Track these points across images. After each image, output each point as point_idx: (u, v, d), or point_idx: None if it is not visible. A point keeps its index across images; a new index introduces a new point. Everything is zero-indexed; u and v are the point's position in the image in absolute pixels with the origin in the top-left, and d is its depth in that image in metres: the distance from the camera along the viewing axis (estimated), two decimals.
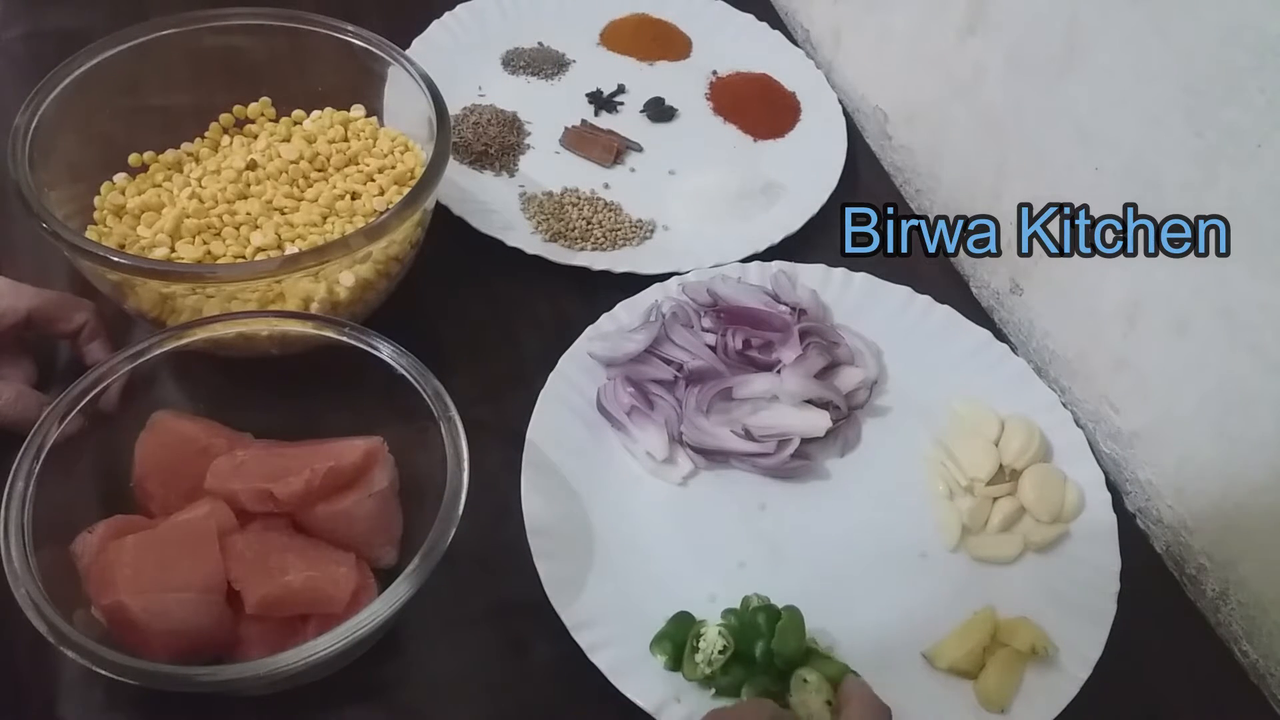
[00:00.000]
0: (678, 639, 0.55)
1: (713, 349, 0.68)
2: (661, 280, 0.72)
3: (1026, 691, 0.56)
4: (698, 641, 0.54)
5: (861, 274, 0.73)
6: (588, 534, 0.60)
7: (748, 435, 0.64)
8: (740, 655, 0.54)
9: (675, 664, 0.55)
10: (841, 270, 0.73)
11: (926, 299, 0.73)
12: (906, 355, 0.71)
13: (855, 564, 0.62)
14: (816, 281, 0.73)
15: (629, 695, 0.53)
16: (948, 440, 0.66)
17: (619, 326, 0.69)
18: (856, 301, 0.73)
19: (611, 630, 0.56)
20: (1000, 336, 0.75)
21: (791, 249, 0.76)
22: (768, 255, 0.75)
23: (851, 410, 0.67)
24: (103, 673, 0.44)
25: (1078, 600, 0.59)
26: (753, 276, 0.73)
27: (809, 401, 0.65)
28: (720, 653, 0.53)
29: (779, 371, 0.66)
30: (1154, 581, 0.64)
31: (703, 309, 0.70)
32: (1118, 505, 0.64)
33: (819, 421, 0.65)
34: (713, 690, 0.54)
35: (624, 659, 0.55)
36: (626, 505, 0.62)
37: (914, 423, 0.68)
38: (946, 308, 0.72)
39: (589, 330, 0.68)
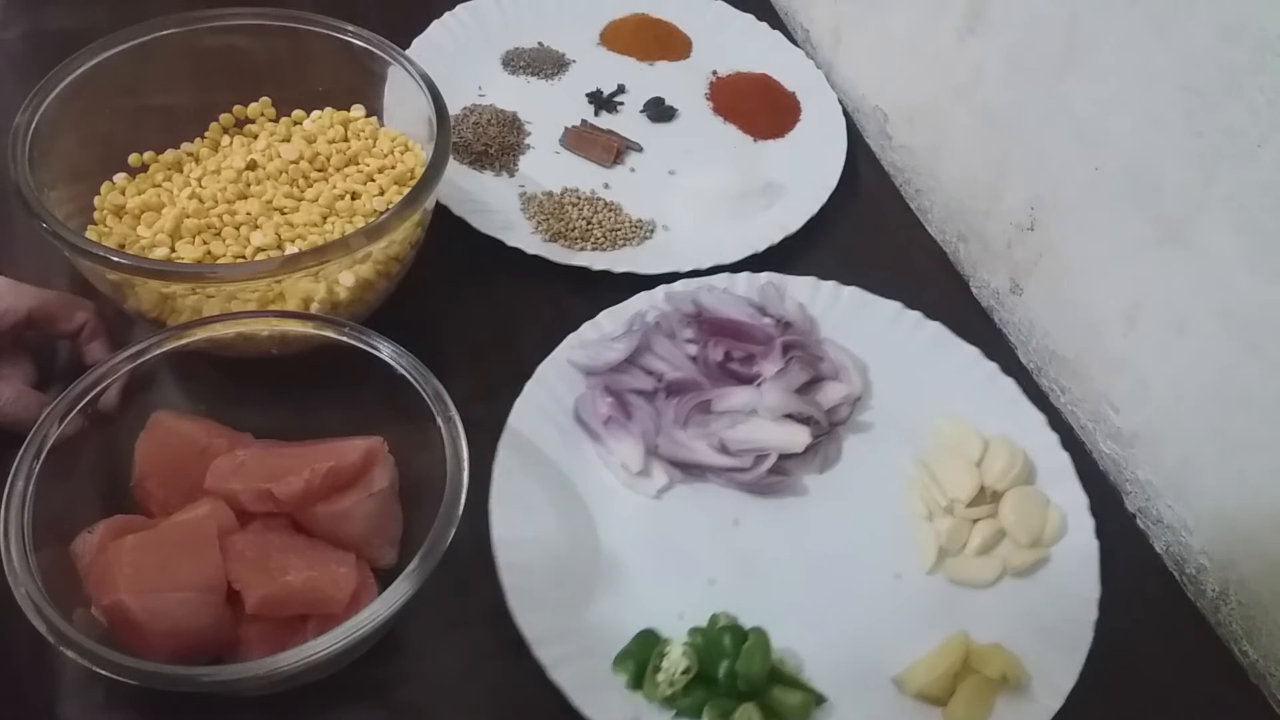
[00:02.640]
0: (641, 658, 0.54)
1: (694, 360, 0.67)
2: (662, 281, 0.72)
3: None
4: (661, 661, 0.53)
5: (852, 288, 0.72)
6: (556, 547, 0.59)
7: (724, 449, 0.63)
8: (703, 676, 0.53)
9: (637, 683, 0.54)
10: (832, 283, 0.72)
11: (917, 314, 0.71)
12: (894, 371, 0.69)
13: (828, 583, 0.60)
14: (806, 294, 0.72)
15: (588, 715, 0.52)
16: (929, 459, 0.65)
17: (602, 334, 0.68)
18: (846, 315, 0.71)
19: (574, 647, 0.55)
20: (1000, 336, 0.76)
21: (792, 249, 0.76)
22: (768, 255, 0.75)
23: (833, 426, 0.66)
24: (103, 673, 0.44)
25: (1054, 628, 0.58)
26: (741, 287, 0.71)
27: (789, 416, 0.64)
28: (683, 673, 0.52)
29: (759, 385, 0.65)
30: (1154, 581, 0.64)
31: (687, 319, 0.69)
32: (1117, 512, 0.64)
33: (797, 437, 0.63)
34: (674, 711, 0.53)
35: (585, 677, 0.53)
36: (599, 518, 0.61)
37: (896, 440, 0.67)
38: (937, 324, 0.71)
39: (571, 338, 0.67)
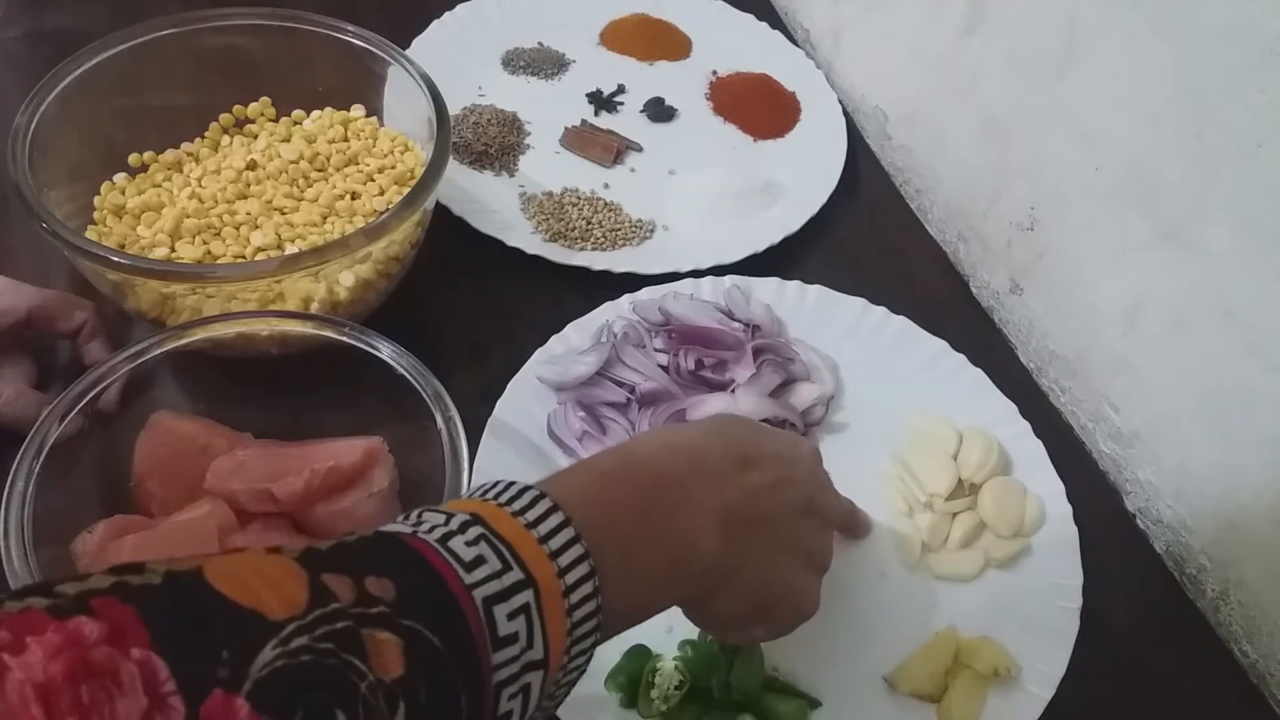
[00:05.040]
0: (632, 674, 0.53)
1: (665, 369, 0.66)
2: (663, 281, 0.72)
3: (990, 714, 0.55)
4: (653, 677, 0.52)
5: (816, 286, 0.72)
6: None
7: None
8: (696, 689, 0.53)
9: (630, 701, 0.53)
10: (796, 283, 0.72)
11: (882, 310, 0.71)
12: (863, 368, 0.69)
13: None
14: (771, 295, 0.71)
15: None
16: (906, 455, 0.65)
17: (569, 348, 0.67)
18: (812, 314, 0.71)
19: None
20: (1000, 336, 0.76)
21: (792, 249, 0.76)
22: (767, 255, 0.75)
23: (809, 428, 0.66)
24: None
25: (1040, 617, 0.58)
26: (706, 292, 0.71)
27: (765, 421, 0.63)
28: (676, 688, 0.52)
29: (733, 391, 0.65)
30: (1154, 581, 0.64)
31: (654, 328, 0.68)
32: (1117, 512, 0.63)
33: None
34: None
35: (576, 696, 0.52)
36: None
37: (871, 439, 0.66)
38: (902, 319, 0.71)
39: (538, 353, 0.66)
